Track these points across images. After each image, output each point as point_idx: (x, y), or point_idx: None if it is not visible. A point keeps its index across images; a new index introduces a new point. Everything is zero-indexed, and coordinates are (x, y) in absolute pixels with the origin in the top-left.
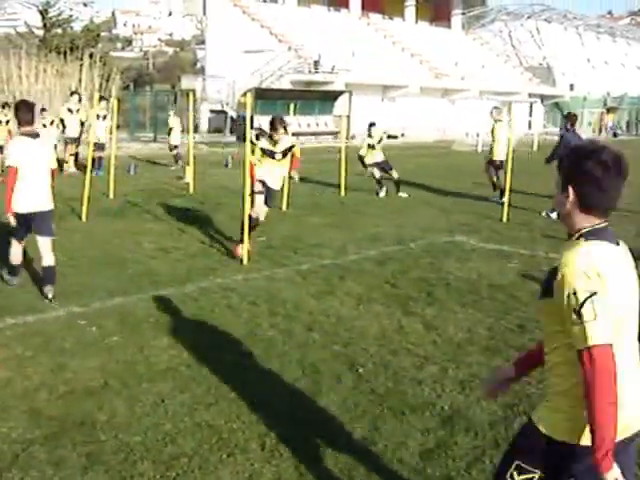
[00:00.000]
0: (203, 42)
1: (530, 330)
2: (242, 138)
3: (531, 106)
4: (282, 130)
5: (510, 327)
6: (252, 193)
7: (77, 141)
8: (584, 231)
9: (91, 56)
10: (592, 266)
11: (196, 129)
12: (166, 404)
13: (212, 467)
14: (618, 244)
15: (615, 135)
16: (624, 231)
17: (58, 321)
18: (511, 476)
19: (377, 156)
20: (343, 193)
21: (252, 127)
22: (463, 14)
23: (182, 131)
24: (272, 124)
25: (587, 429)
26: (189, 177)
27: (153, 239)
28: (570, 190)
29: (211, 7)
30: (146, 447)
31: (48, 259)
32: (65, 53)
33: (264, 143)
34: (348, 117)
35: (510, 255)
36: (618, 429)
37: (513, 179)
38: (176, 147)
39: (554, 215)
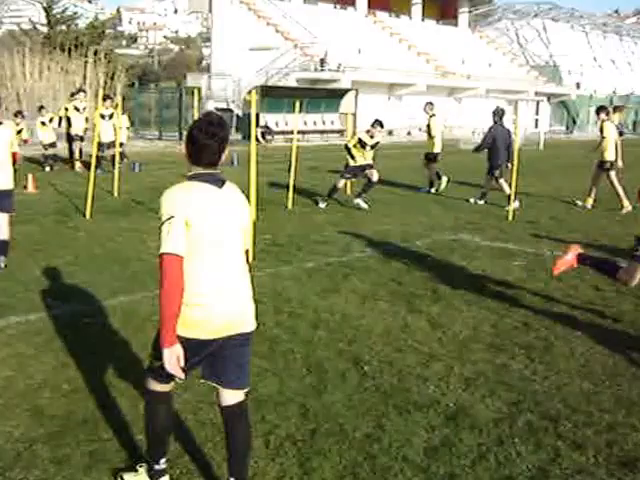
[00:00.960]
0: (209, 39)
1: (535, 328)
2: (247, 136)
3: (537, 105)
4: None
5: (515, 325)
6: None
7: (82, 139)
8: (188, 175)
9: (96, 53)
10: (179, 197)
11: None
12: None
13: (216, 465)
14: (221, 187)
15: (621, 134)
16: (624, 227)
17: (61, 319)
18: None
19: (364, 159)
20: (349, 191)
21: (257, 125)
22: (470, 12)
23: (127, 128)
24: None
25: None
26: None
27: (157, 237)
28: (183, 146)
29: (217, 4)
30: None
31: (3, 234)
32: (69, 50)
33: None
34: (354, 115)
35: (515, 253)
36: (209, 329)
37: (519, 178)
38: (122, 145)
39: (481, 202)
